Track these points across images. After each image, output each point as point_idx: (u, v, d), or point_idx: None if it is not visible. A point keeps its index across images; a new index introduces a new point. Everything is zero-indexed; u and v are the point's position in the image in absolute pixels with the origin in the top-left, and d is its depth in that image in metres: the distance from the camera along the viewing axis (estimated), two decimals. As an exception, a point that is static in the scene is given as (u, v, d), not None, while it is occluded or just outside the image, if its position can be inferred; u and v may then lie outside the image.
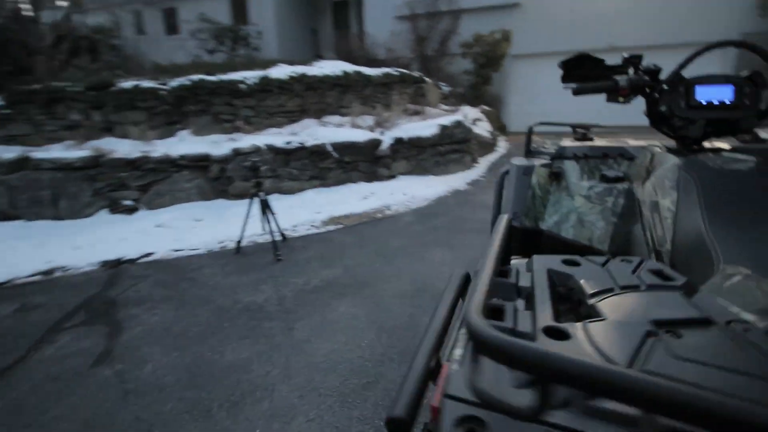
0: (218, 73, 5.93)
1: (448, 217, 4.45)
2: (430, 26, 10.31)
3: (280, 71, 6.28)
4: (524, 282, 0.66)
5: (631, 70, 1.35)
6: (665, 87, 1.28)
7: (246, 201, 3.70)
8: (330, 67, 6.94)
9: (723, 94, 1.29)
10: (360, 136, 5.77)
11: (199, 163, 4.99)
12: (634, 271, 0.67)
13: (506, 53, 10.04)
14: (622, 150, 1.63)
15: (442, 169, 6.28)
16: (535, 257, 0.73)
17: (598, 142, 1.83)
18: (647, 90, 1.30)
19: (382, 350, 2.21)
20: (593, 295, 0.60)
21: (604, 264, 0.72)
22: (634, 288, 0.61)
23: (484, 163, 7.31)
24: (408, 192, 5.32)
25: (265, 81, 6.00)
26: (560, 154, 1.65)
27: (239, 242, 3.67)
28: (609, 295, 0.60)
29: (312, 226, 4.29)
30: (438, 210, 4.71)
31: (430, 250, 3.55)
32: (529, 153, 1.78)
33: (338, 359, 2.14)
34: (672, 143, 1.50)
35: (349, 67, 7.20)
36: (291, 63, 6.78)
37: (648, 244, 1.21)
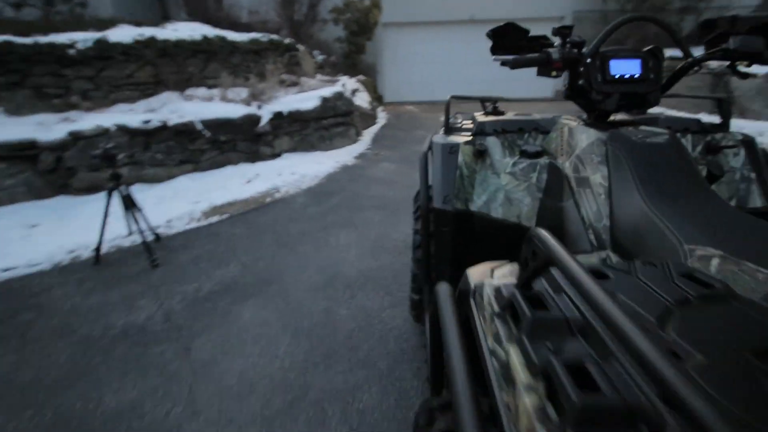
0: (34, 34, 4.64)
1: (344, 194, 4.28)
2: (297, -12, 9.61)
3: (123, 33, 5.19)
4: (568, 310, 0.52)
5: (557, 42, 1.31)
6: (589, 61, 1.27)
7: (98, 196, 3.00)
8: (186, 30, 5.99)
9: (632, 67, 1.33)
10: (234, 111, 5.15)
11: (23, 152, 3.91)
12: (670, 279, 0.59)
13: (378, 21, 9.94)
14: (536, 124, 1.63)
15: (328, 144, 6.03)
16: (556, 271, 0.60)
17: (508, 115, 1.83)
18: (574, 63, 1.28)
19: (303, 356, 1.99)
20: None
21: (631, 272, 0.63)
22: (690, 303, 0.53)
23: (368, 135, 7.25)
24: (297, 171, 4.98)
25: (104, 45, 4.90)
26: (481, 130, 1.59)
27: (98, 249, 2.97)
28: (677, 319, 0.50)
29: (192, 219, 3.72)
30: (332, 188, 4.50)
31: (333, 232, 3.36)
32: (449, 130, 1.69)
33: (254, 377, 1.87)
34: (574, 116, 1.54)
35: (210, 31, 6.33)
36: (136, 24, 5.65)
37: (584, 221, 1.21)
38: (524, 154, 1.48)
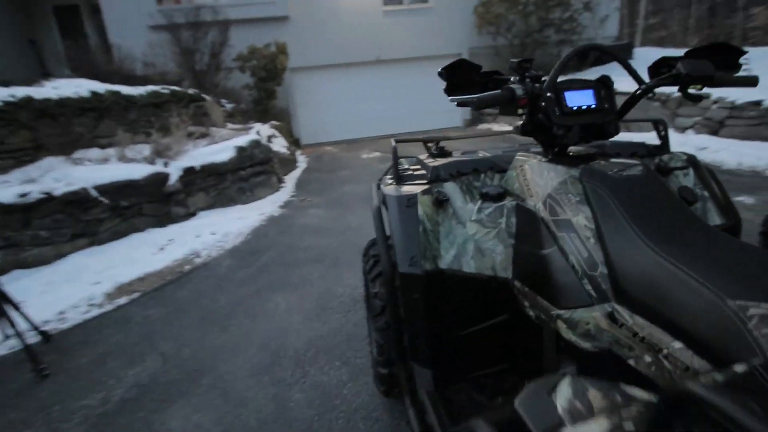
0: None
1: (275, 250, 3.91)
2: (196, 38, 9.22)
3: (-13, 95, 4.43)
4: None
5: (513, 77, 1.22)
6: (549, 94, 1.18)
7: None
8: (70, 87, 5.32)
9: (587, 98, 1.26)
10: (136, 171, 4.58)
11: None
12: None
13: (285, 66, 9.86)
14: (491, 163, 1.52)
15: (249, 196, 5.62)
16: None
17: (457, 155, 1.71)
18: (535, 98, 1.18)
19: (255, 468, 1.61)
20: None
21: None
22: None
23: (291, 181, 6.94)
24: (217, 229, 4.50)
25: (-39, 111, 4.12)
26: (437, 176, 1.44)
27: (-40, 369, 2.28)
28: None
29: (92, 305, 3.09)
30: (260, 244, 4.10)
31: (270, 297, 2.98)
32: (400, 179, 1.51)
33: None
34: (528, 152, 1.45)
35: (100, 86, 5.70)
36: (4, 84, 4.89)
37: (575, 270, 1.07)
38: (486, 197, 1.35)
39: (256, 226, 4.66)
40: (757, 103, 6.02)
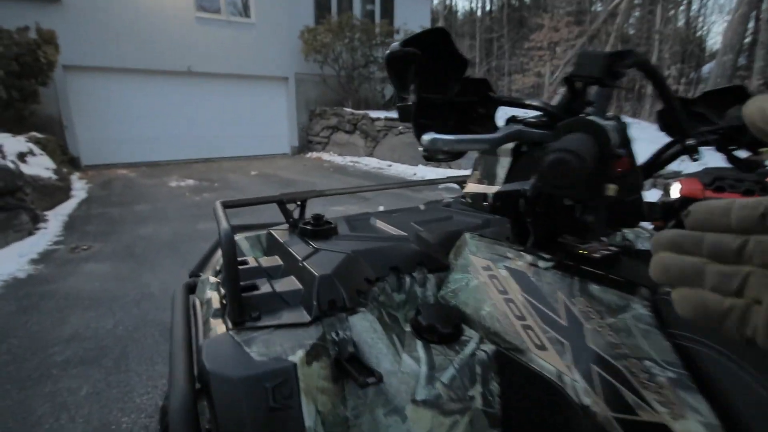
0: None
1: (5, 349, 2.37)
2: None
3: None
4: None
5: (595, 106, 0.59)
6: None
7: None
8: None
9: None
10: None
11: None
12: None
13: (55, 62, 7.43)
14: (416, 252, 0.87)
15: (-27, 245, 3.63)
16: None
17: (346, 236, 0.99)
18: None
19: None
20: None
21: None
22: None
23: (58, 219, 4.96)
24: None
25: None
26: (330, 297, 0.69)
27: None
28: None
29: None
30: (-22, 337, 2.47)
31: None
32: (240, 307, 0.70)
33: None
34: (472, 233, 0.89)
35: None
36: None
37: None
38: (431, 335, 0.68)
39: (-22, 301, 2.90)
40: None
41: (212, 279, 0.84)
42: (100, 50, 8.62)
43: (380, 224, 1.01)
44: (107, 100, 9.03)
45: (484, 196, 0.74)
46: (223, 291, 0.71)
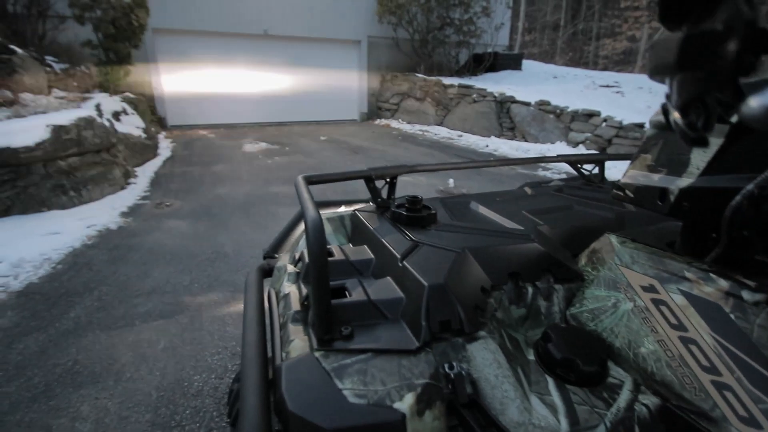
0: None
1: (98, 294, 2.56)
2: (8, -34, 6.68)
3: None
4: None
5: None
6: None
7: None
8: None
9: None
10: None
11: None
12: None
13: (145, 25, 7.82)
14: (535, 251, 0.67)
15: (73, 198, 3.96)
16: None
17: (439, 210, 0.81)
18: None
19: None
20: None
21: None
22: None
23: (146, 175, 5.31)
24: (5, 254, 2.89)
25: None
26: (441, 321, 0.52)
27: None
28: None
29: None
30: (74, 283, 2.69)
31: (62, 405, 1.73)
32: (327, 318, 0.56)
33: None
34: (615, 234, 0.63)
35: None
36: None
37: None
38: (564, 373, 0.50)
39: (77, 248, 3.16)
40: (641, 125, 6.38)
41: (290, 268, 0.71)
42: (186, 13, 8.95)
43: (485, 211, 0.82)
44: (190, 62, 9.44)
45: (659, 192, 0.52)
46: (304, 290, 0.58)
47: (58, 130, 3.91)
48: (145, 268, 2.88)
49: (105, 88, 7.44)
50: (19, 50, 5.62)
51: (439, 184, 4.94)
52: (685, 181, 0.49)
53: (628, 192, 0.57)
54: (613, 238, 0.59)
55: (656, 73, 0.42)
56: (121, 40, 7.59)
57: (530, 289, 0.60)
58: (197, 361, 1.97)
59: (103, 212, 3.88)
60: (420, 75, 10.39)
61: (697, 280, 0.48)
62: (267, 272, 0.80)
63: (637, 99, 8.37)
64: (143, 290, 2.60)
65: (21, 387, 1.80)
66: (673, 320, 0.48)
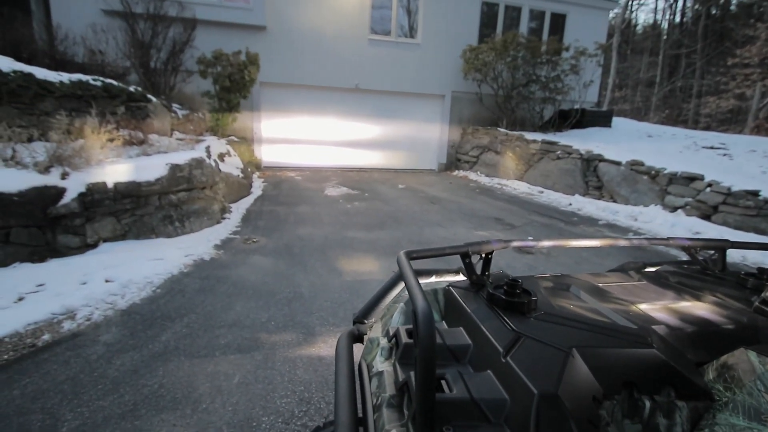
0: None
1: (187, 321, 2.77)
2: (155, 31, 8.08)
3: None
4: None
5: None
6: None
7: None
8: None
9: None
10: (13, 181, 3.34)
11: None
12: None
13: (255, 79, 8.86)
14: (657, 360, 0.59)
15: (178, 228, 4.44)
16: None
17: (544, 297, 0.77)
18: None
19: None
20: None
21: None
22: None
23: (239, 211, 5.80)
24: (117, 274, 3.29)
25: None
26: None
27: None
28: None
29: None
30: (169, 308, 2.95)
31: (153, 421, 1.85)
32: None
33: None
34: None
35: (8, 64, 4.47)
36: None
37: None
38: None
39: (174, 275, 3.49)
40: (755, 193, 5.66)
41: (383, 341, 0.72)
42: (288, 70, 9.99)
43: (589, 300, 0.76)
44: (286, 111, 10.41)
45: None
46: (400, 372, 0.57)
47: (174, 168, 4.47)
48: (229, 301, 3.08)
49: (215, 131, 8.44)
50: (154, 99, 6.64)
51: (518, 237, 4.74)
52: None
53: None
54: (753, 356, 0.51)
55: None
56: (233, 92, 8.64)
57: (647, 403, 0.53)
58: (266, 401, 2.01)
59: (200, 243, 4.27)
60: (502, 129, 10.38)
61: None
62: (356, 338, 0.81)
63: (748, 162, 7.52)
64: (226, 322, 2.77)
65: (114, 403, 1.96)
66: None
